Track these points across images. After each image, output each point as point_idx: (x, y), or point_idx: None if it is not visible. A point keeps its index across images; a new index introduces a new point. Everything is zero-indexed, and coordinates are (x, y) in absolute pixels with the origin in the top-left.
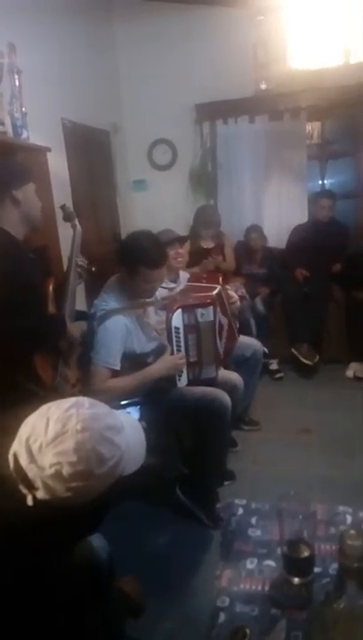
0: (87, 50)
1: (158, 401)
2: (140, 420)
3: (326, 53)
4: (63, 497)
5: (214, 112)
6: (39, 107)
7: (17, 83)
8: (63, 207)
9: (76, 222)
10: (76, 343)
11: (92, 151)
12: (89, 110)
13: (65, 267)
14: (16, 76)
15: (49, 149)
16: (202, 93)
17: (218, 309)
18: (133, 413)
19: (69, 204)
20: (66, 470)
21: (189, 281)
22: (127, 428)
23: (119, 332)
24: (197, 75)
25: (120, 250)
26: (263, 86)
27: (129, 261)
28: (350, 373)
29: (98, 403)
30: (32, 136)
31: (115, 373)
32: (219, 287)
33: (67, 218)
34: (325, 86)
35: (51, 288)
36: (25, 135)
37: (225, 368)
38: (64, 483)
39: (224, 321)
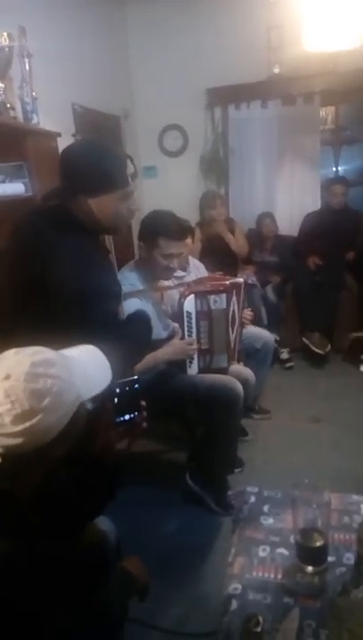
0: (98, 34)
1: (168, 388)
2: (139, 399)
3: (341, 36)
4: (18, 443)
5: (226, 97)
6: (50, 91)
7: (27, 67)
8: None
9: None
10: None
11: (102, 137)
12: (100, 95)
13: None
14: (26, 60)
15: (59, 134)
16: (214, 78)
17: (233, 299)
18: (134, 391)
19: None
20: (6, 420)
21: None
22: (76, 357)
23: None
24: (208, 59)
25: (141, 225)
26: (276, 70)
27: (149, 233)
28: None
29: (24, 349)
30: (42, 121)
31: None
32: (239, 280)
33: None
34: (339, 70)
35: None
36: (35, 120)
37: (237, 362)
38: (10, 430)
39: (237, 317)
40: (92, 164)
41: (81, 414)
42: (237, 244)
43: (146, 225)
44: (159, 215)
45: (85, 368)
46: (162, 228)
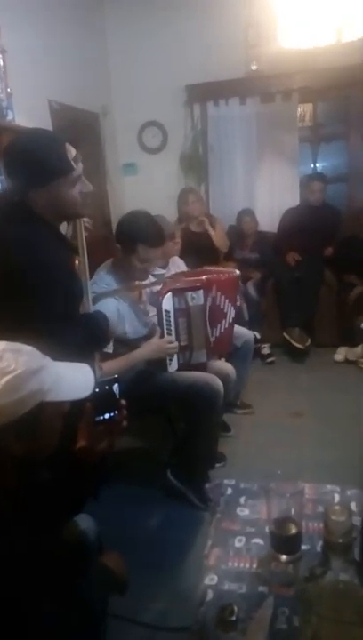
0: (76, 30)
1: (149, 385)
2: (119, 398)
3: (318, 32)
4: None
5: (205, 93)
6: (25, 88)
7: (1, 62)
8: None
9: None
10: (111, 337)
11: (80, 134)
12: (77, 92)
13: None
14: (0, 56)
15: None
16: (192, 74)
17: (217, 294)
18: (114, 390)
19: None
20: None
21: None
22: (63, 364)
23: (110, 315)
24: (187, 55)
25: (118, 227)
26: (254, 67)
27: (127, 239)
28: (338, 357)
29: (13, 343)
30: (18, 118)
31: (106, 357)
32: (228, 275)
33: None
34: (317, 67)
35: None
36: (10, 117)
37: (219, 358)
38: None
39: (231, 310)
40: (33, 157)
41: (44, 413)
42: (217, 238)
43: (124, 229)
44: (137, 219)
45: (61, 371)
46: (141, 234)
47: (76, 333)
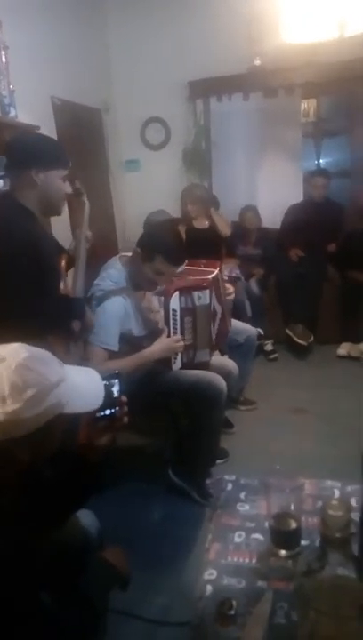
0: (77, 26)
1: (153, 383)
2: (120, 394)
3: (321, 26)
4: None
5: (208, 89)
6: (28, 84)
7: (3, 59)
8: (73, 182)
9: (85, 198)
10: (90, 327)
11: (83, 130)
12: (80, 88)
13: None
14: (2, 53)
15: (38, 128)
16: (195, 70)
17: (214, 294)
18: (115, 387)
19: None
20: None
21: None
22: (74, 370)
23: (117, 313)
24: (189, 50)
25: (144, 231)
26: (257, 62)
27: (148, 246)
28: (341, 352)
29: (34, 348)
30: (20, 114)
31: (112, 355)
32: (216, 271)
33: (75, 193)
34: (320, 62)
35: (64, 264)
36: (13, 113)
37: (221, 354)
38: None
39: (218, 308)
40: (41, 141)
41: (58, 425)
42: (220, 222)
43: (149, 235)
44: (166, 231)
45: (75, 381)
46: (163, 247)
47: (57, 307)
